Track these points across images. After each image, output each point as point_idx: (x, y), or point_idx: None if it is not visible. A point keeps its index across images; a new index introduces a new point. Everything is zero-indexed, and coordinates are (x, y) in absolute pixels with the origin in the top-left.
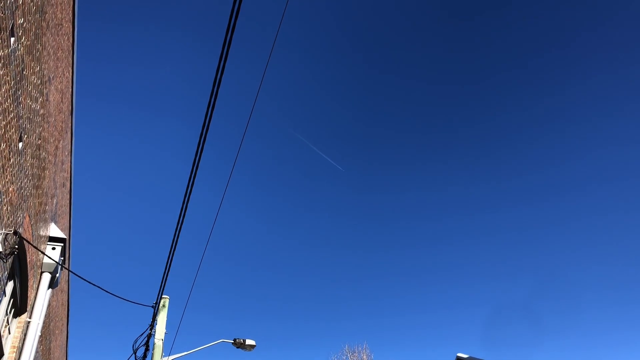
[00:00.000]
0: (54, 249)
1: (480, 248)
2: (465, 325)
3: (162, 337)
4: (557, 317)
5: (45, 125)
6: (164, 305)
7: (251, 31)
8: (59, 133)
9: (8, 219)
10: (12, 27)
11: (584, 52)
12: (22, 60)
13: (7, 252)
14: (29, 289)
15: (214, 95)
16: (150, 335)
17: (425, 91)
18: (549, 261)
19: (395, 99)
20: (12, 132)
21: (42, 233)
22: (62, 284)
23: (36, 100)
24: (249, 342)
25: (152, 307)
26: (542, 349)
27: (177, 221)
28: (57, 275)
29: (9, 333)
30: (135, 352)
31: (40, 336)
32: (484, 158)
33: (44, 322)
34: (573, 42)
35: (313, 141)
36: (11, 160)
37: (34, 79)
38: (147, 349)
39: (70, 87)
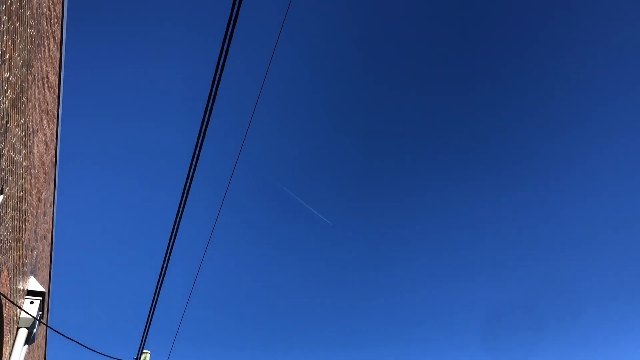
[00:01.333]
0: (32, 303)
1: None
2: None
3: None
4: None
5: (28, 177)
6: None
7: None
8: (41, 185)
9: None
10: None
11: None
12: (7, 114)
13: None
14: (4, 345)
15: (197, 148)
16: None
17: (415, 135)
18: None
19: (385, 149)
20: None
21: (20, 287)
22: (39, 339)
23: (19, 153)
24: None
25: None
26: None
27: (159, 274)
28: (35, 330)
29: None
30: None
31: None
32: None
33: None
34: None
35: (297, 191)
36: None
37: (18, 132)
38: None
39: (54, 138)
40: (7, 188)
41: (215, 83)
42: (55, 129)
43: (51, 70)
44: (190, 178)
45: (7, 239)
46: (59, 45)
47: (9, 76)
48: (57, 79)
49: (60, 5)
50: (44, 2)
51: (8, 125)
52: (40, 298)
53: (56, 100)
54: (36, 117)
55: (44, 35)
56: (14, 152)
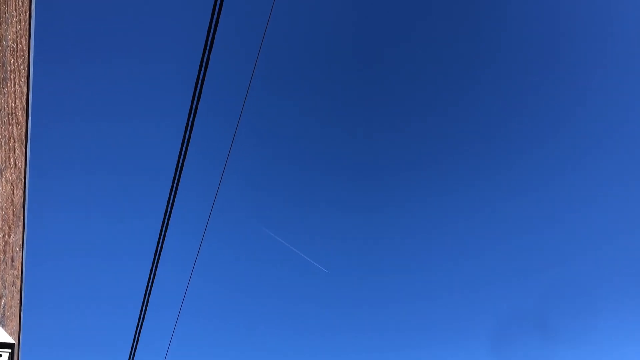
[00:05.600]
0: (0, 356)
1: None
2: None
3: None
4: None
5: None
6: None
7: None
8: (9, 227)
9: None
10: None
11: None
12: None
13: None
14: None
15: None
16: None
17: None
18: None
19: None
20: None
21: None
22: None
23: None
24: None
25: None
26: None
27: (135, 331)
28: None
29: None
30: None
31: None
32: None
33: None
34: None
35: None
36: None
37: None
38: None
39: (22, 178)
40: None
41: (190, 125)
42: (23, 167)
43: (18, 106)
44: (170, 207)
45: None
46: (25, 79)
47: None
48: (24, 115)
49: (27, 37)
50: (9, 34)
51: None
52: (9, 350)
53: (24, 137)
54: (2, 156)
55: (9, 68)
56: None
